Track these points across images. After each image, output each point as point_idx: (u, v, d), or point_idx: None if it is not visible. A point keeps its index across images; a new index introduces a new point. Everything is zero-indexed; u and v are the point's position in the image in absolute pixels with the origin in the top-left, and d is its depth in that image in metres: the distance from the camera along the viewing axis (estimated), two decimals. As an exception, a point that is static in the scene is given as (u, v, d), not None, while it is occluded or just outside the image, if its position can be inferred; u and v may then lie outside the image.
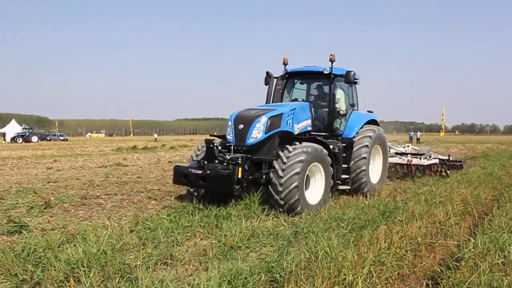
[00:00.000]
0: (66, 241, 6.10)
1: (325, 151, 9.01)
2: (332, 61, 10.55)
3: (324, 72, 10.67)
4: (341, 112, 11.00)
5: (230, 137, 9.07)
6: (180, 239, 6.37)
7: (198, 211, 8.00)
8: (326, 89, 11.20)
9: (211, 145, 8.75)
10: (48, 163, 20.81)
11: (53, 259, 5.13)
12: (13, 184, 12.78)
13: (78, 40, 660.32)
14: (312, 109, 10.54)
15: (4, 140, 69.53)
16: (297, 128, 9.64)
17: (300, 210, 8.11)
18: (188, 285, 4.48)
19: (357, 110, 11.90)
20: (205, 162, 8.52)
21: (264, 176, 8.57)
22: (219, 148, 9.12)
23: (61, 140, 78.23)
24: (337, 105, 10.94)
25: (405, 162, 15.08)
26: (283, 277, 4.60)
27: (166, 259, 5.46)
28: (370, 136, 11.05)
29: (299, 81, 11.85)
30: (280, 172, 8.09)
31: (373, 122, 12.06)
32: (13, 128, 74.83)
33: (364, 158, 10.68)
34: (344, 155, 10.56)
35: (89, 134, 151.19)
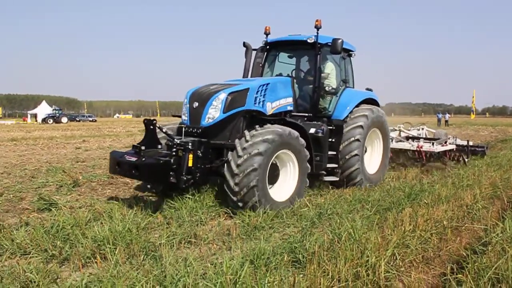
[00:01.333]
0: (93, 219, 6.23)
1: (295, 136, 7.31)
2: (317, 27, 8.89)
3: (308, 41, 8.93)
4: (328, 89, 9.30)
5: (185, 117, 7.68)
6: (204, 218, 6.45)
7: (222, 191, 8.03)
8: (312, 62, 9.37)
9: (151, 127, 7.13)
10: (77, 143, 21.22)
11: (81, 236, 5.26)
12: (43, 163, 13.12)
13: (107, 22, 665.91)
14: (296, 85, 9.04)
15: (36, 121, 71.30)
16: (270, 108, 8.12)
17: (257, 202, 6.59)
18: (211, 264, 4.53)
19: (353, 87, 10.28)
20: (143, 148, 6.93)
21: (225, 165, 6.84)
22: (167, 131, 7.27)
23: (90, 121, 79.40)
24: (326, 81, 9.30)
25: (415, 148, 12.68)
26: (306, 257, 4.60)
27: (190, 238, 5.54)
28: (366, 116, 9.35)
29: (282, 54, 10.08)
30: (234, 169, 6.58)
31: (371, 102, 10.24)
32: (44, 109, 76.77)
33: (358, 140, 9.01)
34: (332, 140, 9.04)
35: (117, 115, 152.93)
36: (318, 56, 8.98)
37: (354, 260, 4.38)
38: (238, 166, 6.54)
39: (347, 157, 8.99)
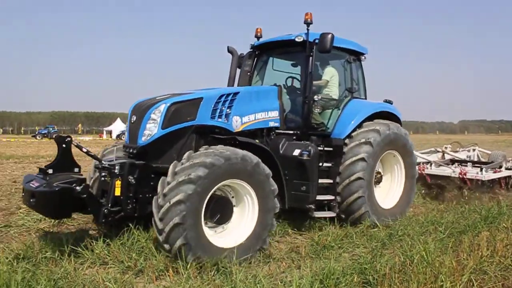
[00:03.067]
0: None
1: (252, 161, 5.44)
2: (307, 23, 7.17)
3: (296, 40, 7.18)
4: (326, 100, 7.56)
5: (126, 135, 6.43)
6: (272, 236, 6.50)
7: (291, 208, 8.06)
8: (304, 66, 7.71)
9: (64, 145, 5.46)
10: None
11: (154, 250, 5.48)
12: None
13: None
14: (287, 96, 7.62)
15: (111, 137, 74.58)
16: (240, 123, 6.51)
17: (184, 245, 4.93)
18: (280, 282, 4.57)
19: (364, 98, 8.44)
20: (50, 171, 5.33)
21: None
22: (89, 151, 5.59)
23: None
24: (325, 90, 7.70)
25: (456, 175, 9.92)
26: (376, 279, 4.53)
27: (259, 256, 5.63)
28: (377, 131, 7.34)
29: (277, 60, 8.40)
30: (160, 200, 5.05)
31: (388, 117, 8.10)
32: (118, 126, 79.77)
33: (362, 159, 7.08)
34: (330, 165, 7.24)
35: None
36: (310, 58, 7.23)
37: (427, 284, 4.27)
38: (164, 195, 4.99)
39: (347, 181, 7.05)
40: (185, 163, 5.12)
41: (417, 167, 9.28)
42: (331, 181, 7.20)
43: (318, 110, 7.29)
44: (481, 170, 9.91)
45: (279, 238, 6.59)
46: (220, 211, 5.51)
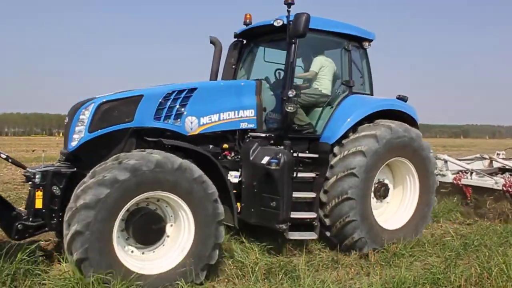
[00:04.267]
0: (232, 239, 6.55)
1: (172, 167, 4.50)
2: (288, 3, 5.91)
3: (275, 24, 6.00)
4: (314, 96, 6.51)
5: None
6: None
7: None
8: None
9: None
10: None
11: (225, 252, 5.57)
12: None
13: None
14: (270, 92, 6.34)
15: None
16: (196, 125, 5.58)
17: (94, 266, 4.14)
18: (349, 288, 4.51)
19: (370, 94, 7.11)
20: None
21: None
22: (8, 158, 5.26)
23: None
24: (315, 84, 6.60)
25: (499, 187, 8.04)
26: (451, 291, 4.36)
27: (328, 261, 5.61)
28: (374, 137, 6.00)
29: (264, 48, 7.23)
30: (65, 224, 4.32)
31: (401, 117, 6.72)
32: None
33: (353, 174, 5.83)
34: (313, 175, 6.10)
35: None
36: (292, 46, 6.00)
37: (506, 299, 4.04)
38: (68, 225, 4.27)
39: (334, 201, 5.89)
40: (87, 182, 4.32)
41: (452, 176, 8.73)
42: (313, 195, 6.00)
43: (291, 108, 5.83)
44: None
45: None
46: (146, 229, 4.63)
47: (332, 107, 6.48)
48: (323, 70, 6.55)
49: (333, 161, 5.99)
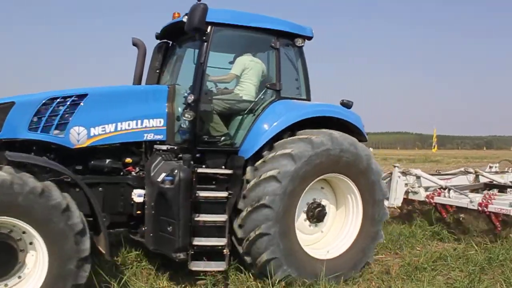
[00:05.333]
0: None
1: (47, 196, 3.86)
2: None
3: (184, 20, 5.22)
4: (232, 102, 5.73)
5: None
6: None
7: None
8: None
9: None
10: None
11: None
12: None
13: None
14: (187, 98, 5.21)
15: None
16: (86, 136, 4.86)
17: None
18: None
19: (307, 99, 6.08)
20: None
21: None
22: None
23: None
24: (237, 88, 5.83)
25: (475, 206, 7.10)
26: (475, 307, 4.27)
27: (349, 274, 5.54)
28: (290, 157, 5.04)
29: (194, 49, 5.93)
30: None
31: (344, 125, 5.81)
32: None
33: (265, 206, 4.92)
34: (224, 195, 5.12)
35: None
36: (204, 44, 5.26)
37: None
38: None
39: (249, 236, 5.02)
40: None
41: (425, 194, 7.85)
42: (223, 218, 5.00)
43: (188, 116, 5.09)
44: None
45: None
46: None
47: (253, 115, 5.58)
48: (246, 72, 5.74)
49: (245, 189, 5.12)
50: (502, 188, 8.58)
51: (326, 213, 5.66)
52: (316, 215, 5.54)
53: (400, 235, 7.36)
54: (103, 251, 4.35)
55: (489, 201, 7.10)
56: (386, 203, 7.11)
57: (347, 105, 6.02)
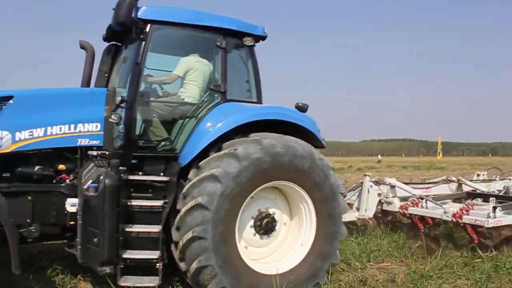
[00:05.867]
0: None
1: None
2: None
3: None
4: (172, 106, 5.37)
5: None
6: (369, 264, 6.38)
7: (385, 235, 7.82)
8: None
9: None
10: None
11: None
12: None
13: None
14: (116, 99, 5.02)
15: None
16: (10, 141, 4.60)
17: None
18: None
19: (258, 102, 5.69)
20: None
21: None
22: None
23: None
24: (181, 91, 5.50)
25: (449, 218, 6.83)
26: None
27: (355, 282, 5.53)
28: (215, 176, 4.56)
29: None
30: None
31: (299, 130, 5.41)
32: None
33: (199, 238, 4.49)
34: (159, 204, 4.76)
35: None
36: (142, 43, 4.96)
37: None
38: None
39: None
40: None
41: (398, 204, 7.55)
42: (157, 229, 4.64)
43: (115, 118, 4.76)
44: (494, 210, 6.60)
45: (374, 264, 6.43)
46: None
47: (196, 118, 5.22)
48: (191, 74, 5.42)
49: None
50: (486, 197, 7.99)
51: (275, 225, 5.18)
52: (264, 226, 5.07)
53: (406, 242, 7.35)
54: (13, 264, 3.87)
55: (464, 212, 6.75)
56: (356, 214, 7.42)
57: (302, 108, 5.63)
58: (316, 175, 5.04)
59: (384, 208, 7.77)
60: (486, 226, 6.39)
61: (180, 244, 4.55)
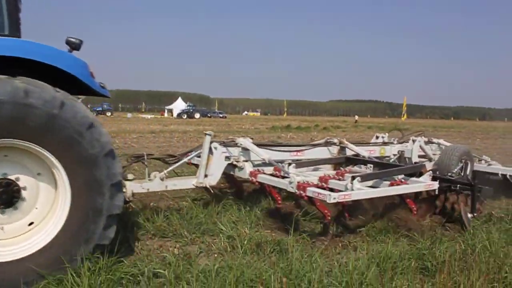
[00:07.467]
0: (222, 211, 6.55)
1: None
2: None
3: None
4: None
5: None
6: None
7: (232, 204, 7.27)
8: None
9: None
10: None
11: (212, 226, 5.62)
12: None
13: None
14: None
15: (172, 115, 77.24)
16: None
17: None
18: (336, 262, 4.56)
19: (12, 35, 4.39)
20: None
21: None
22: None
23: (220, 117, 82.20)
24: None
25: (293, 189, 5.46)
26: (435, 266, 4.44)
27: (315, 235, 5.66)
28: None
29: None
30: None
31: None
32: (179, 105, 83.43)
33: None
34: None
35: (246, 112, 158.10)
36: None
37: (489, 275, 4.12)
38: None
39: None
40: None
41: (249, 170, 6.21)
42: None
43: None
44: (353, 179, 5.49)
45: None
46: None
47: None
48: None
49: None
50: (365, 164, 7.15)
51: (20, 195, 4.00)
52: (5, 197, 3.93)
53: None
54: None
55: (323, 182, 5.83)
56: (193, 182, 6.06)
57: (72, 44, 4.34)
58: (66, 131, 3.84)
59: (236, 174, 6.49)
60: (328, 201, 5.05)
61: None
